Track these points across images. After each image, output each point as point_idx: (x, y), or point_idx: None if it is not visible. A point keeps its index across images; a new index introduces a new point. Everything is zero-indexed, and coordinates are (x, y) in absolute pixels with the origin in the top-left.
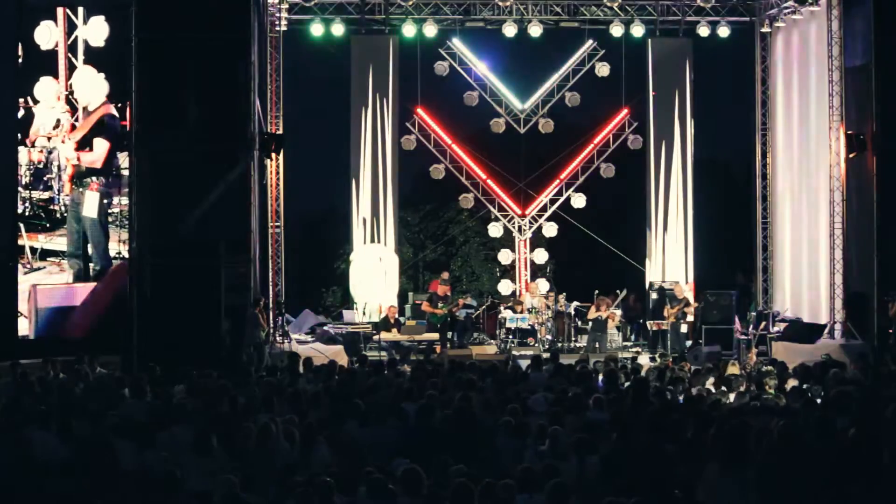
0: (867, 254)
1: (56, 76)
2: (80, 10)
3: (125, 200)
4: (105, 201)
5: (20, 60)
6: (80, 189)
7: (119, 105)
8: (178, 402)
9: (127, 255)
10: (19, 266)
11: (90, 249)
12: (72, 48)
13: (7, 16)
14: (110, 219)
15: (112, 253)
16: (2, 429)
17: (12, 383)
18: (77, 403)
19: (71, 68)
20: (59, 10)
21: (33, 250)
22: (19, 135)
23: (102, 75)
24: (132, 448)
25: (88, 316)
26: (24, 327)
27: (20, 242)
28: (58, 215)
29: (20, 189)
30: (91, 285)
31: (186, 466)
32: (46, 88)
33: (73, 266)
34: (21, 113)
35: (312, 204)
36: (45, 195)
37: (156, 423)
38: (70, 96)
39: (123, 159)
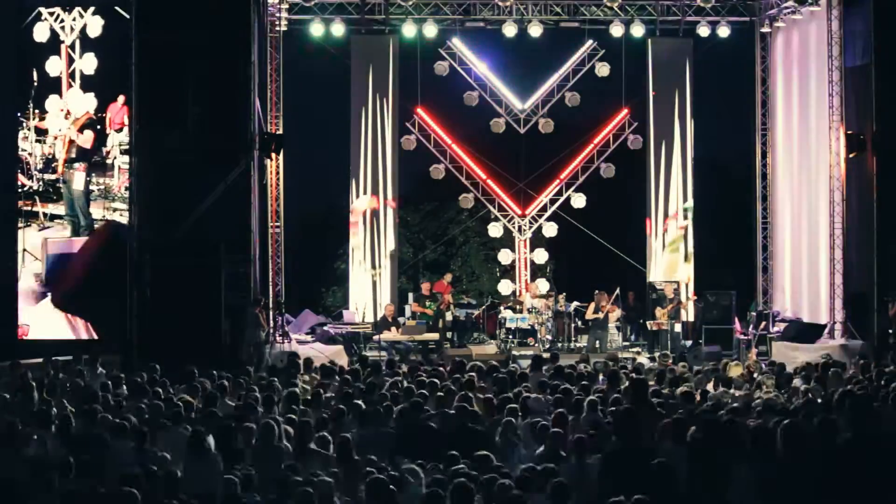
0: (867, 254)
1: (60, 95)
2: (78, 47)
3: (101, 179)
4: (88, 179)
5: (35, 84)
6: (71, 170)
7: (100, 115)
8: (177, 402)
9: (108, 219)
10: (35, 225)
11: (79, 213)
12: (72, 75)
13: (7, 54)
14: (95, 193)
15: (97, 216)
16: (2, 429)
17: (12, 383)
18: (77, 403)
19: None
20: (63, 48)
21: (45, 214)
22: (36, 134)
23: (91, 94)
24: (131, 448)
25: (82, 260)
26: (38, 267)
27: (35, 209)
28: (61, 190)
29: (36, 172)
30: (83, 239)
31: (184, 466)
32: (53, 103)
33: (68, 224)
34: (39, 120)
35: (312, 204)
36: (53, 176)
37: (155, 423)
38: (68, 109)
39: (111, 150)
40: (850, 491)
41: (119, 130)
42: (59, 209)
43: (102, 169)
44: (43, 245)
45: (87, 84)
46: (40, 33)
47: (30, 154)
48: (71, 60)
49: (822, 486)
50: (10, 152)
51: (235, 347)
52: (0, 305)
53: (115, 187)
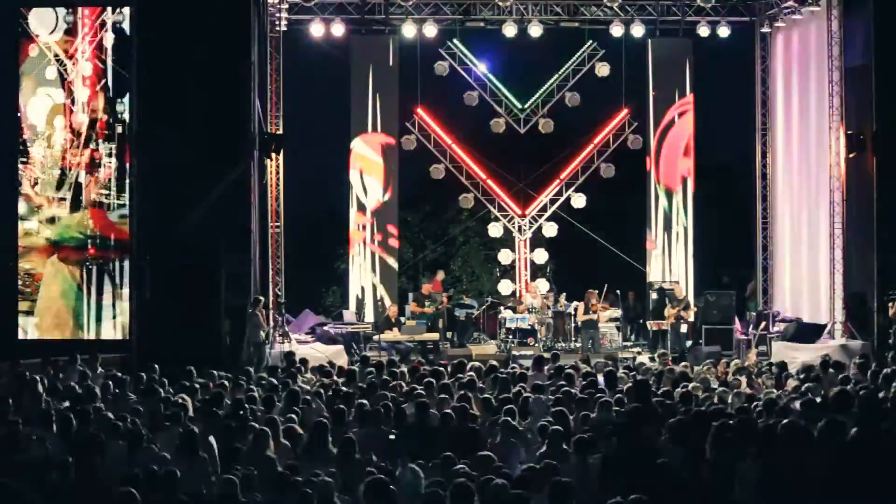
0: (867, 254)
1: (64, 115)
2: (77, 83)
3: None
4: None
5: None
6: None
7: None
8: (177, 402)
9: (96, 200)
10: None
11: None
12: (73, 102)
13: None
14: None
15: (91, 198)
16: (2, 429)
17: (12, 383)
18: (76, 404)
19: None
20: (66, 84)
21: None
22: (46, 143)
23: (86, 115)
24: (131, 448)
25: None
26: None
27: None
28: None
29: (47, 168)
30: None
31: (182, 466)
32: (59, 121)
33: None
34: (50, 132)
35: (312, 204)
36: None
37: (154, 423)
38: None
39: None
40: (851, 491)
41: (102, 139)
42: (63, 193)
43: (93, 167)
44: None
45: (83, 108)
46: (51, 73)
47: (43, 156)
48: (72, 91)
49: (824, 485)
50: (10, 174)
51: (235, 347)
52: (0, 305)
53: (101, 178)
